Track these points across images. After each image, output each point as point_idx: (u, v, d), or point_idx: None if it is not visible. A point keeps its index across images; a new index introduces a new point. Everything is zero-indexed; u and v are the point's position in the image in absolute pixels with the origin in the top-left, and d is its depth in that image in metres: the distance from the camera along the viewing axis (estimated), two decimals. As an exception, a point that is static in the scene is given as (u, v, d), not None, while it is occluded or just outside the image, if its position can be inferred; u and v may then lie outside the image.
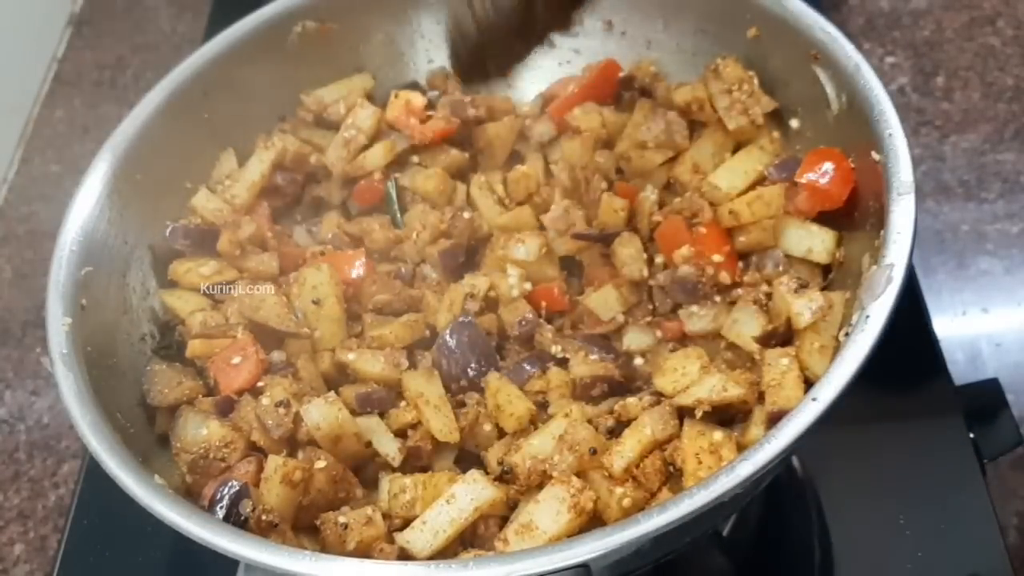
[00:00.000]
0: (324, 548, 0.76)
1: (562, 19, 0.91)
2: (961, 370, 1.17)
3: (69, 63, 1.73)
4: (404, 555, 0.75)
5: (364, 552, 0.74)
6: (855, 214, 0.82)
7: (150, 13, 1.79)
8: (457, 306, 0.87)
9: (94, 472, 1.08)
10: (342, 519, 0.75)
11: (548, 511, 0.72)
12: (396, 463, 0.80)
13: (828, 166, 0.82)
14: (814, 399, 0.65)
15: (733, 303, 0.83)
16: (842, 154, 0.82)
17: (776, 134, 0.92)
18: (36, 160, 1.59)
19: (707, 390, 0.77)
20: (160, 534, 1.01)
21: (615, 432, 0.79)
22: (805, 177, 0.83)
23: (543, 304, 0.89)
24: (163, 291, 0.92)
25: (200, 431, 0.80)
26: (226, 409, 0.82)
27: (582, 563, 0.61)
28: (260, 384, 0.83)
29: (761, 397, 0.77)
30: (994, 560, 0.92)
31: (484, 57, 0.90)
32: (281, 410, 0.79)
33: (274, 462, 0.76)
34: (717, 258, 0.84)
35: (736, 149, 0.91)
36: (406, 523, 0.76)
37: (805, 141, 0.91)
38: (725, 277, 0.84)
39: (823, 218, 0.85)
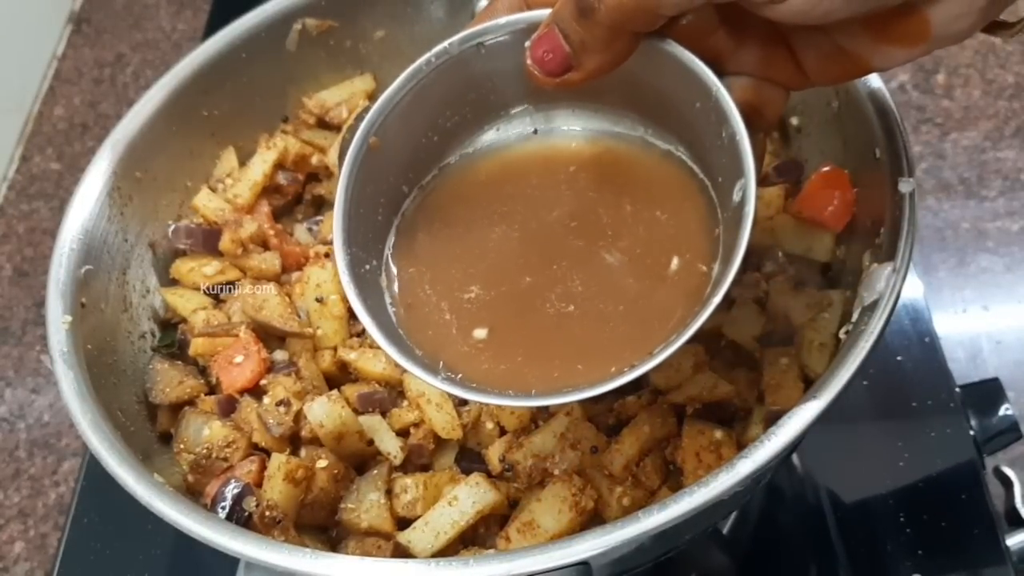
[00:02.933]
0: (339, 527, 0.78)
1: None
2: (962, 368, 1.17)
3: (69, 61, 1.73)
4: (404, 554, 0.75)
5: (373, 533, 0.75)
6: (855, 212, 0.82)
7: (150, 11, 1.80)
8: (458, 304, 0.87)
9: (94, 470, 1.08)
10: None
11: (550, 510, 0.72)
12: (398, 461, 0.80)
13: (829, 199, 0.82)
14: (814, 397, 0.65)
15: (733, 303, 0.83)
16: (846, 177, 0.82)
17: (776, 134, 0.92)
18: (36, 158, 1.59)
19: (698, 387, 0.77)
20: (161, 532, 1.02)
21: (615, 430, 0.79)
22: (805, 206, 0.84)
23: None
24: (164, 289, 0.92)
25: (203, 432, 0.80)
26: (228, 408, 0.82)
27: (582, 561, 0.61)
28: (263, 383, 0.83)
29: (761, 396, 0.77)
30: (994, 558, 0.92)
31: None
32: (282, 409, 0.80)
33: (277, 460, 0.76)
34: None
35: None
36: (405, 522, 0.77)
37: (806, 139, 0.91)
38: (725, 276, 0.84)
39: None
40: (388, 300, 0.67)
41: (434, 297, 0.67)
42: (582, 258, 0.66)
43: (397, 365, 0.61)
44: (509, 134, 0.72)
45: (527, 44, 0.60)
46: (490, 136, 0.72)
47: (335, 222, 0.64)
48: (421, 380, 0.61)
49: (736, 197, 0.59)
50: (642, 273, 0.64)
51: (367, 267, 0.67)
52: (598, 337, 0.63)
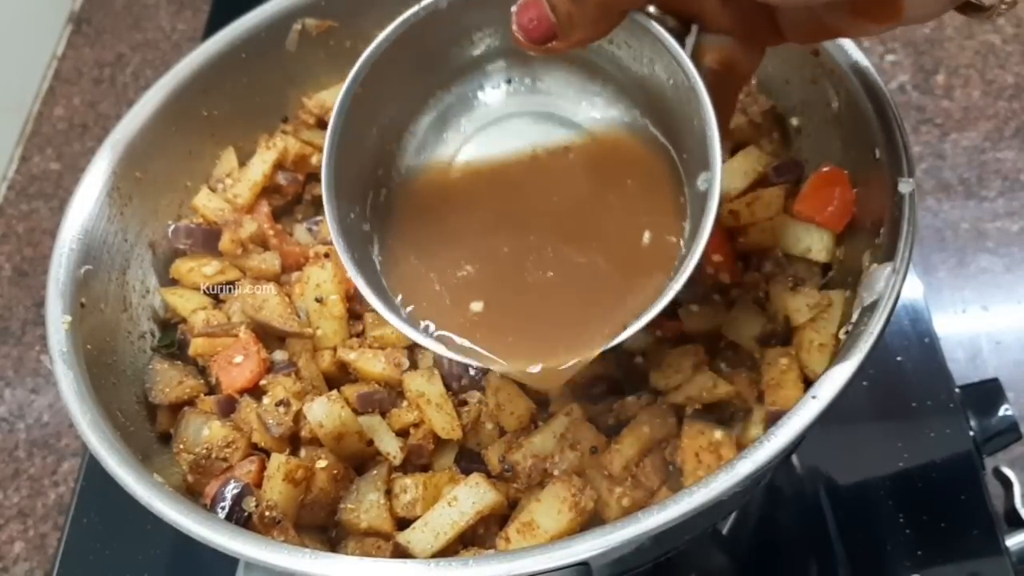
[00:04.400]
0: (339, 527, 0.79)
1: None
2: (961, 368, 1.17)
3: (69, 61, 1.73)
4: (403, 554, 0.75)
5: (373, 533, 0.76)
6: (855, 212, 0.82)
7: (150, 11, 1.79)
8: (458, 305, 0.87)
9: (94, 470, 1.08)
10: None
11: (549, 510, 0.72)
12: (397, 462, 0.80)
13: (829, 199, 0.83)
14: (813, 397, 0.65)
15: (733, 303, 0.83)
16: (846, 177, 0.82)
17: (776, 134, 0.92)
18: (36, 158, 1.59)
19: (698, 388, 0.77)
20: (160, 532, 1.02)
21: (615, 431, 0.79)
22: (805, 206, 0.84)
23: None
24: (164, 289, 0.92)
25: (202, 432, 0.80)
26: (227, 408, 0.82)
27: (582, 561, 0.61)
28: (263, 383, 0.83)
29: (760, 396, 0.77)
30: (993, 558, 0.92)
31: None
32: (281, 409, 0.80)
33: (277, 460, 0.76)
34: (717, 258, 0.84)
35: (735, 150, 0.91)
36: (404, 522, 0.77)
37: (806, 139, 0.91)
38: (725, 277, 0.84)
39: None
40: (375, 255, 0.72)
41: (422, 268, 0.71)
42: (562, 231, 0.70)
43: (383, 319, 0.66)
44: (491, 101, 0.75)
45: (513, 9, 0.62)
46: (477, 106, 0.76)
47: (323, 181, 0.68)
48: (408, 337, 0.66)
49: (702, 186, 0.64)
50: (619, 245, 0.69)
51: (351, 216, 0.71)
52: (582, 305, 0.68)
